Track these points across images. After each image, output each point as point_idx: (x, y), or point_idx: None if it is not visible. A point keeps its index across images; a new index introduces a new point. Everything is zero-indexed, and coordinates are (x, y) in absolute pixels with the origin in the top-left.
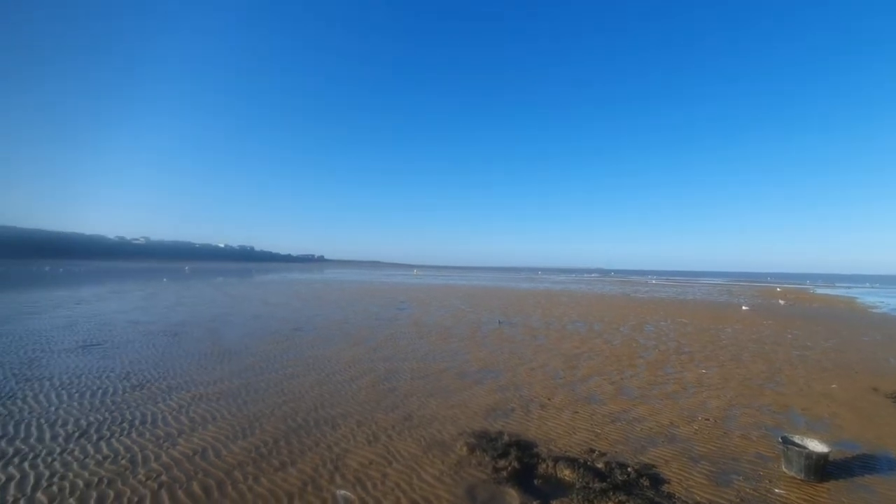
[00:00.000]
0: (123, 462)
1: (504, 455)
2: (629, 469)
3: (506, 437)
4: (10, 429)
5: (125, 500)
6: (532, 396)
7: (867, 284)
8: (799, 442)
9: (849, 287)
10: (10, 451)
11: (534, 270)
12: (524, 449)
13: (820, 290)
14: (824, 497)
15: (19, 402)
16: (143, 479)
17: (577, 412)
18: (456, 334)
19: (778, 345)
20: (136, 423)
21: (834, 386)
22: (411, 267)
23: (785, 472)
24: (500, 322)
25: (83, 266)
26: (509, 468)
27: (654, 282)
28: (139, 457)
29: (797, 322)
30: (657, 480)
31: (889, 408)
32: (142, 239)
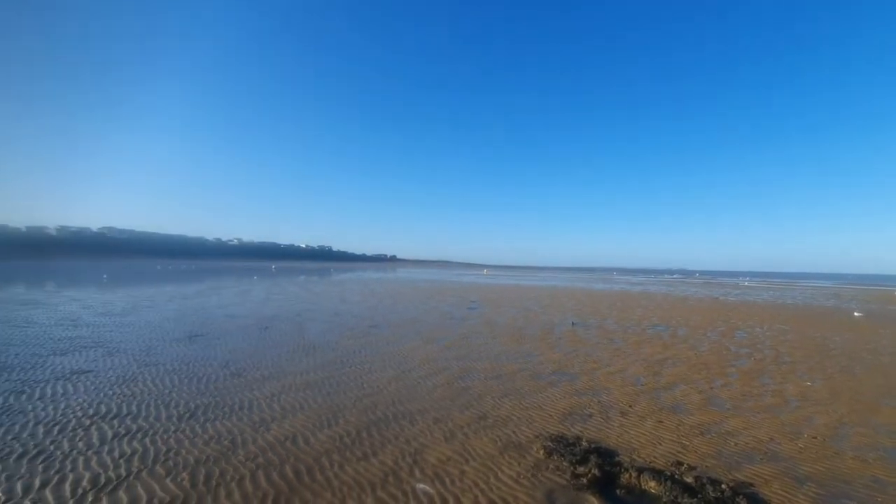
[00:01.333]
0: (226, 443)
1: (583, 461)
2: (723, 486)
3: (584, 443)
4: (134, 408)
5: (228, 477)
6: (611, 402)
7: None
8: None
9: None
10: (134, 427)
11: (608, 271)
12: (605, 456)
13: None
14: None
15: (139, 385)
16: (243, 459)
17: (661, 421)
18: (528, 335)
19: None
20: (235, 407)
21: None
22: (481, 267)
23: None
24: (573, 324)
25: (188, 264)
26: (589, 475)
27: (746, 284)
28: (239, 439)
29: None
30: (756, 501)
31: None
32: (235, 240)
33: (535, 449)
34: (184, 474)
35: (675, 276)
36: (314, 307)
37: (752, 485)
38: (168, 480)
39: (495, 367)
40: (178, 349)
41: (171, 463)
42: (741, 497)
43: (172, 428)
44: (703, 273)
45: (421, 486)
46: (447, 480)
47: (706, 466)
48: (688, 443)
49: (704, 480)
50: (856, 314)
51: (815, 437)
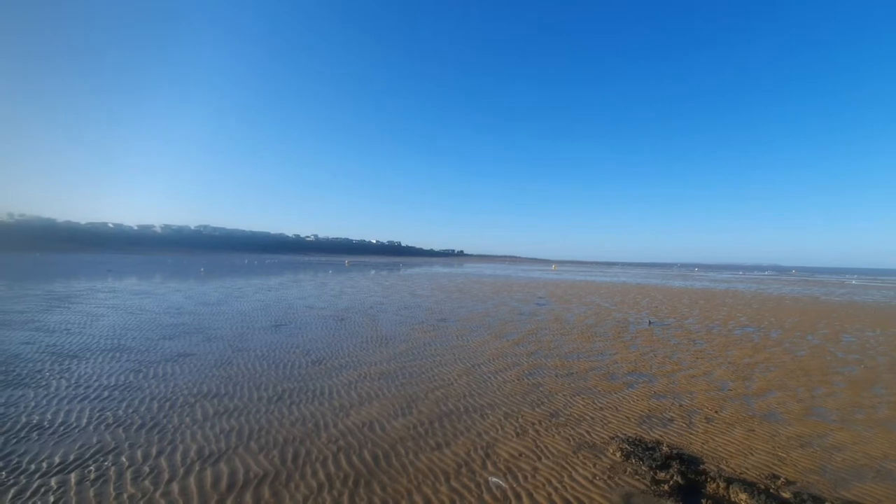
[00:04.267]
0: (310, 425)
1: (664, 467)
2: None
3: (665, 448)
4: (230, 388)
5: (313, 457)
6: (694, 407)
7: None
8: None
9: None
10: (231, 406)
11: (688, 267)
12: (688, 463)
13: None
14: None
15: (234, 368)
16: (326, 441)
17: (752, 430)
18: (600, 333)
19: None
20: (317, 393)
21: None
22: (549, 262)
23: None
24: (650, 322)
25: (270, 259)
26: (671, 482)
27: (854, 282)
28: (321, 422)
29: None
30: None
31: None
32: (312, 236)
33: (611, 451)
34: (274, 452)
35: (766, 273)
36: (385, 300)
37: None
38: (261, 456)
39: (566, 365)
40: (266, 336)
41: (263, 441)
42: None
43: (263, 409)
44: (800, 270)
45: (494, 479)
46: (519, 476)
47: (807, 482)
48: (784, 455)
49: (805, 497)
50: None
51: None
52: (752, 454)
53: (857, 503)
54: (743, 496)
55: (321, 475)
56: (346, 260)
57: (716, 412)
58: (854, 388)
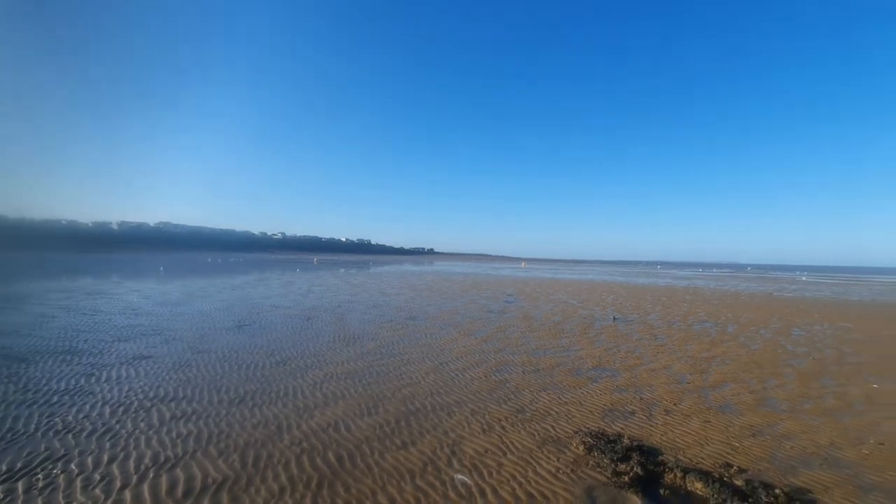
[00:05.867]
0: (272, 428)
1: (625, 459)
2: (777, 491)
3: (626, 441)
4: (189, 392)
5: (275, 460)
6: (654, 400)
7: None
8: None
9: None
10: (190, 410)
11: (651, 264)
12: (648, 455)
13: None
14: None
15: (194, 370)
16: (289, 443)
17: (708, 421)
18: (567, 330)
19: None
20: (281, 394)
21: None
22: (519, 260)
23: None
24: (614, 318)
25: (236, 257)
26: (631, 473)
27: (804, 279)
28: (284, 424)
29: None
30: None
31: None
32: (279, 234)
33: (575, 444)
34: (234, 456)
35: (724, 271)
36: (354, 299)
37: (809, 491)
38: (220, 461)
39: (533, 361)
40: (228, 338)
41: (223, 445)
42: (797, 503)
43: (224, 412)
44: (755, 267)
45: (459, 476)
46: (485, 472)
47: (758, 470)
48: (738, 444)
49: (756, 484)
50: None
51: (883, 444)
52: (707, 444)
53: (805, 490)
54: (698, 485)
55: (283, 478)
56: (315, 258)
57: (674, 404)
58: (803, 380)
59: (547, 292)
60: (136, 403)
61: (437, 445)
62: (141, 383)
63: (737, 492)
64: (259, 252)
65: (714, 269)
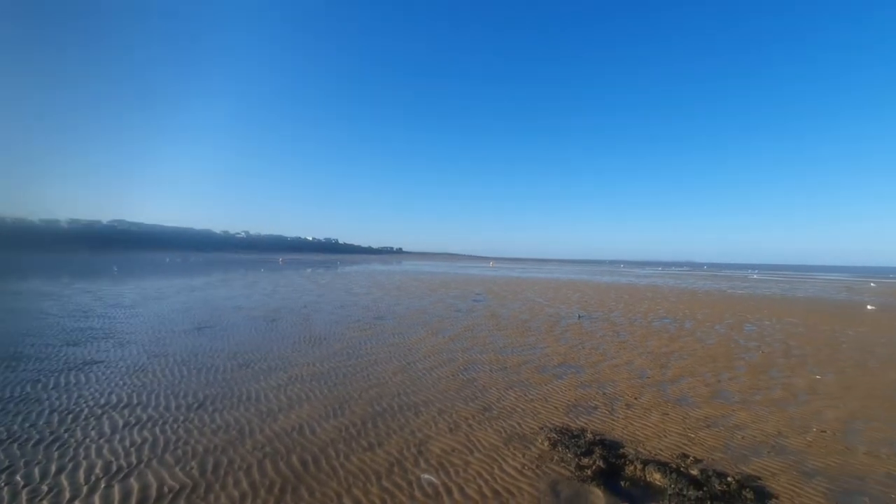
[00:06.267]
0: (234, 433)
1: (588, 453)
2: (729, 479)
3: (589, 435)
4: (144, 398)
5: (236, 466)
6: (616, 395)
7: None
8: None
9: None
10: (144, 417)
11: (615, 263)
12: (609, 448)
13: None
14: None
15: (149, 375)
16: (251, 448)
17: (666, 414)
18: (533, 328)
19: None
20: (243, 398)
21: None
22: (487, 259)
23: None
24: (579, 317)
25: (196, 257)
26: (594, 467)
27: (755, 277)
28: (246, 429)
29: None
30: (763, 494)
31: None
32: (243, 233)
33: (540, 441)
34: (192, 463)
35: (682, 269)
36: (321, 299)
37: (758, 478)
38: (177, 469)
39: (500, 360)
40: (187, 340)
41: (180, 452)
42: (747, 490)
43: (182, 418)
44: (710, 266)
45: (426, 476)
46: (451, 471)
47: (712, 459)
48: (694, 435)
49: (710, 473)
50: (869, 307)
51: (825, 432)
52: (666, 436)
53: (755, 477)
54: (657, 476)
55: (244, 484)
56: (281, 258)
57: (635, 399)
58: (753, 372)
59: (514, 291)
60: (86, 411)
61: (404, 446)
62: (92, 389)
63: (692, 481)
64: (221, 251)
65: (673, 268)
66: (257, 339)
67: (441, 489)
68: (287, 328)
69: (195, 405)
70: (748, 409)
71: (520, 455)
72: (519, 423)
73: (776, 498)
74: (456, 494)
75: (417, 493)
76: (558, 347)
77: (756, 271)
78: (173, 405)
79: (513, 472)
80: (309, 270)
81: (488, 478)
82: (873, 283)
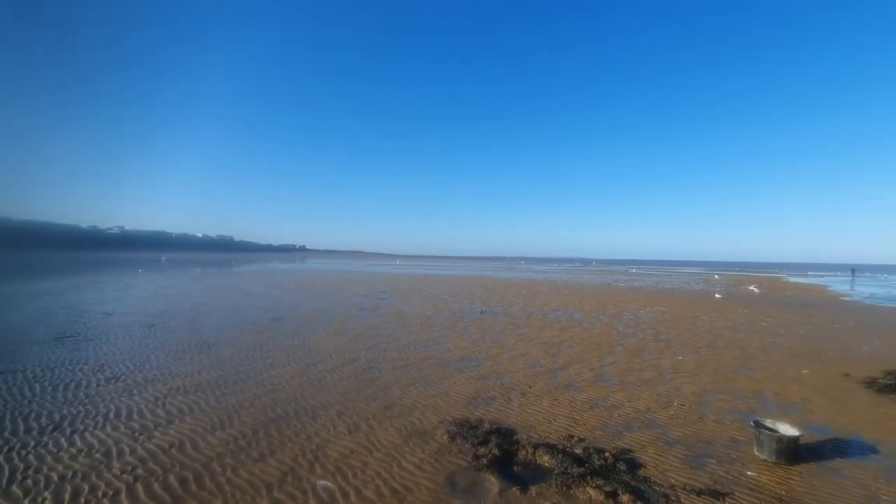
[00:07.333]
0: (98, 456)
1: (485, 442)
2: (606, 454)
3: (486, 425)
4: None
5: (100, 493)
6: (513, 384)
7: (837, 273)
8: (770, 426)
9: (821, 275)
10: None
11: (516, 260)
12: (505, 436)
13: (793, 279)
14: (795, 479)
15: None
16: (118, 472)
17: (556, 399)
18: (437, 324)
19: (752, 332)
20: (111, 416)
21: (806, 372)
22: (394, 257)
23: (757, 456)
24: (481, 312)
25: (57, 257)
26: (489, 455)
27: (634, 271)
28: (114, 450)
29: (771, 310)
30: (634, 465)
31: (860, 393)
32: (116, 228)
33: (440, 434)
34: (46, 494)
35: (575, 265)
36: (211, 301)
37: (630, 451)
38: (26, 502)
39: (404, 357)
40: (42, 353)
41: (30, 482)
42: (621, 462)
43: (32, 443)
44: (598, 261)
45: (321, 482)
46: (349, 474)
47: (594, 437)
48: (579, 417)
49: (591, 450)
50: (717, 296)
51: (684, 405)
52: (555, 420)
53: (628, 449)
54: (546, 458)
55: None
56: (164, 257)
57: (529, 387)
58: (630, 356)
59: (420, 288)
60: None
61: (299, 453)
62: None
63: (576, 459)
64: (88, 250)
65: (566, 264)
66: (131, 349)
67: (337, 493)
68: (168, 335)
69: (50, 427)
70: (624, 390)
71: (419, 451)
72: (420, 419)
73: (644, 467)
74: (353, 497)
75: (312, 502)
76: (461, 342)
77: (635, 266)
78: (22, 429)
79: (412, 469)
80: (198, 270)
81: (387, 477)
82: (717, 275)
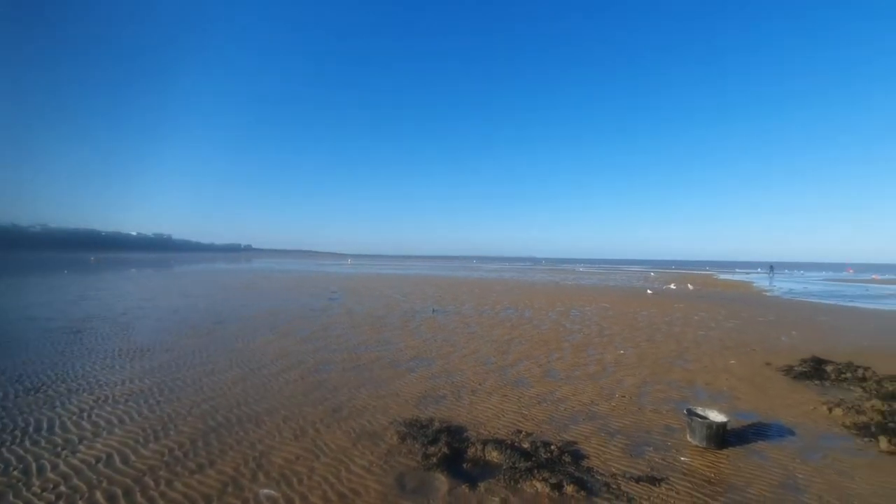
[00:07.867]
0: (15, 473)
1: (434, 441)
2: (552, 447)
3: (437, 424)
4: None
5: None
6: (463, 382)
7: (759, 269)
8: (701, 413)
9: (747, 272)
10: None
11: (468, 259)
12: (454, 434)
13: (722, 276)
14: (724, 463)
15: None
16: (39, 490)
17: (505, 395)
18: (389, 324)
19: (687, 326)
20: (30, 430)
21: (733, 362)
22: (345, 256)
23: (690, 442)
24: (433, 311)
25: None
26: (439, 454)
27: (581, 270)
28: (33, 467)
29: (703, 305)
30: (578, 456)
31: (780, 381)
32: (38, 226)
33: (389, 436)
34: None
35: (526, 264)
36: (147, 304)
37: (575, 442)
38: None
39: (353, 358)
40: None
41: None
42: (566, 454)
43: None
44: (548, 260)
45: (265, 490)
46: (294, 480)
47: (541, 431)
48: (527, 412)
49: (538, 444)
50: (648, 292)
51: (625, 397)
52: (503, 416)
53: (572, 442)
54: (494, 453)
55: None
56: (93, 257)
57: (480, 384)
58: (576, 352)
59: (371, 288)
60: None
61: (241, 461)
62: None
63: (523, 453)
64: (7, 250)
65: (518, 263)
66: (54, 357)
67: (282, 501)
68: (97, 341)
69: None
70: (570, 384)
71: (368, 453)
72: (369, 421)
73: (588, 458)
74: None
75: None
76: (412, 342)
77: (582, 265)
78: None
79: (360, 472)
80: (133, 271)
81: (334, 481)
82: (653, 273)
